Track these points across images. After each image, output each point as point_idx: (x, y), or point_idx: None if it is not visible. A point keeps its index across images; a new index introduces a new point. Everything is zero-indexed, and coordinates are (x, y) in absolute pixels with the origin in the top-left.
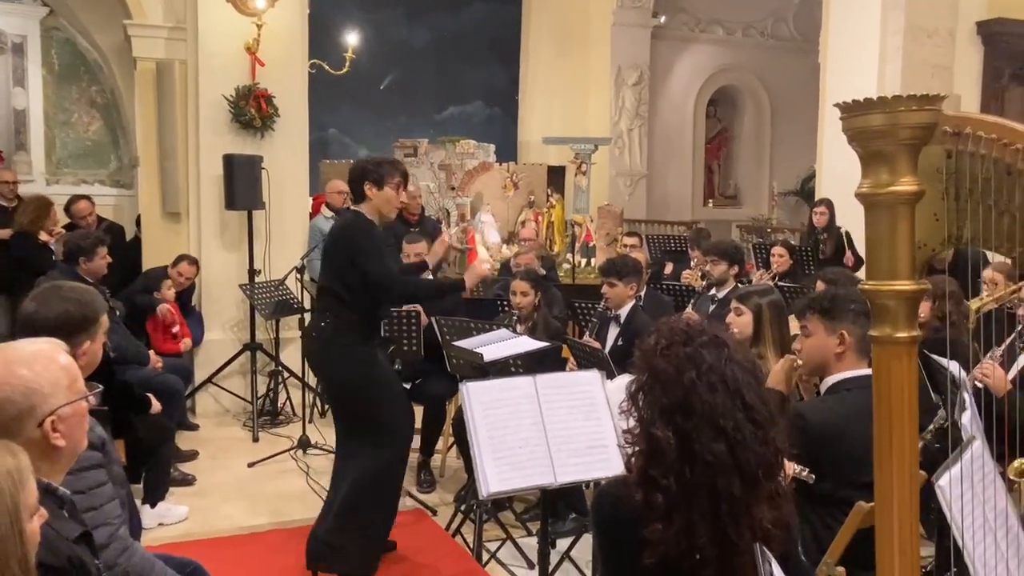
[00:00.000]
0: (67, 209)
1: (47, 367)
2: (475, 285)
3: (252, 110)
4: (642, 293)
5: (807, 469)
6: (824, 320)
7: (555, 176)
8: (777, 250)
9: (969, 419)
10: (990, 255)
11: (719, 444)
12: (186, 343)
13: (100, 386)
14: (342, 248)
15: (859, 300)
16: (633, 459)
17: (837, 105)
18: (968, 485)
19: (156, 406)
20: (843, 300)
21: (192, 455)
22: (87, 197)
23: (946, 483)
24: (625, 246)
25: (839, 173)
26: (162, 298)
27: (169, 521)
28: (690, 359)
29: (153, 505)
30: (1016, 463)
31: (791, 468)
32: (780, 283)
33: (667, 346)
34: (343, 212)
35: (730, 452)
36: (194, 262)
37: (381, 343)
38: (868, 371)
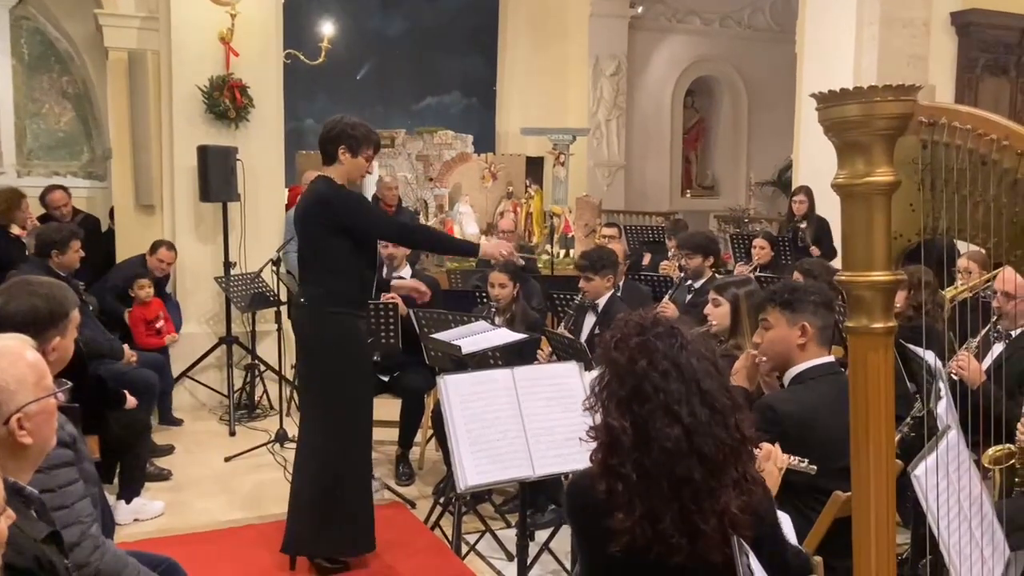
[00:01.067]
0: (42, 199)
1: (13, 364)
2: (495, 257)
3: (226, 101)
4: (620, 283)
5: (806, 460)
6: (785, 313)
7: (533, 167)
8: (758, 242)
9: (944, 408)
10: (963, 247)
11: (674, 429)
12: (171, 338)
13: (69, 383)
14: (326, 216)
15: (819, 291)
16: (595, 453)
17: (813, 95)
18: (943, 474)
19: (131, 401)
20: (803, 292)
21: (168, 450)
22: (63, 187)
23: (922, 472)
24: (604, 237)
25: (816, 163)
26: (137, 298)
27: (145, 517)
28: (641, 348)
29: (128, 501)
30: (991, 451)
31: (787, 460)
32: (760, 274)
33: (621, 338)
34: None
35: (687, 437)
36: (172, 247)
37: (366, 317)
38: (830, 358)
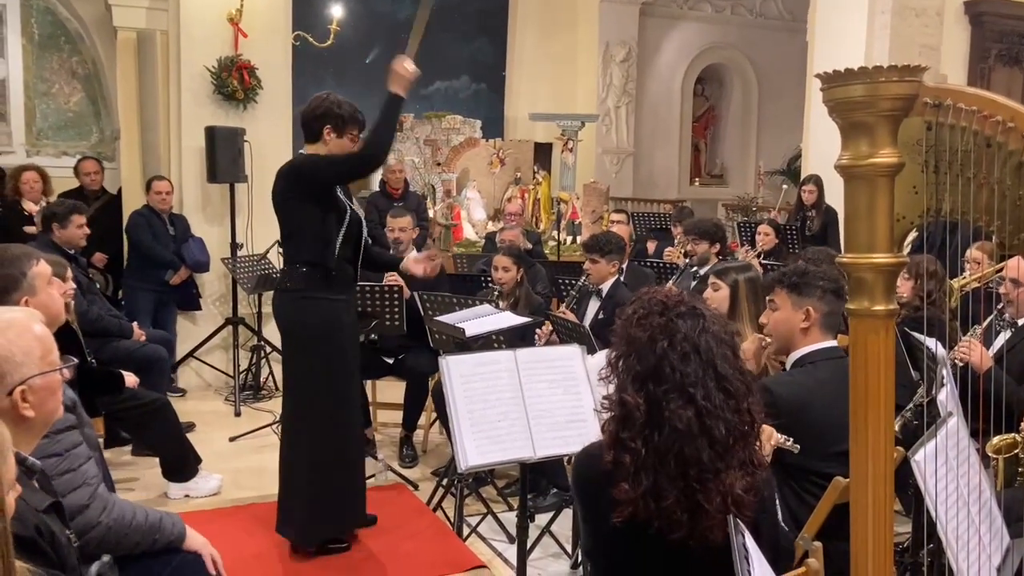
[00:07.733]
0: (75, 168)
1: (21, 335)
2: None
3: (235, 82)
4: (624, 266)
5: (791, 439)
6: (792, 295)
7: (541, 153)
8: (763, 228)
9: (946, 395)
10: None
11: (688, 411)
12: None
13: (75, 359)
14: (291, 187)
15: (828, 277)
16: (606, 424)
17: (818, 76)
18: (943, 460)
19: (131, 380)
20: (812, 276)
21: (189, 427)
22: (96, 159)
23: (922, 458)
24: (612, 223)
25: (825, 152)
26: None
27: (198, 494)
28: (664, 328)
29: (182, 481)
30: (994, 440)
31: (776, 438)
32: (765, 261)
33: (644, 315)
34: None
35: (699, 419)
36: (161, 177)
37: (349, 300)
38: (833, 343)
